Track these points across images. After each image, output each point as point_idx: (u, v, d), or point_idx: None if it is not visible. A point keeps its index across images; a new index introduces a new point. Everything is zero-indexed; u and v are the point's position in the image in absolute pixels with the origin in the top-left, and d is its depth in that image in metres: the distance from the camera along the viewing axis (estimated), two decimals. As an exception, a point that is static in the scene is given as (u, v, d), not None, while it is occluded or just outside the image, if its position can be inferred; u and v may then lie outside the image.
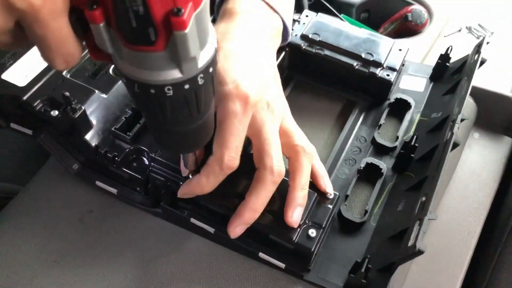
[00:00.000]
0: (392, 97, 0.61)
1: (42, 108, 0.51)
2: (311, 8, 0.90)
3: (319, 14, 0.65)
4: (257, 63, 0.46)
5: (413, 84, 0.63)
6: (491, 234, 0.62)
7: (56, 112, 0.51)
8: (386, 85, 0.60)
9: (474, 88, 0.64)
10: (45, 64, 0.55)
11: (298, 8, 0.72)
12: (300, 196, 0.46)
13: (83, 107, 0.50)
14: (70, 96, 0.49)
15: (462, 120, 0.48)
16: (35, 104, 0.51)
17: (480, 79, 0.59)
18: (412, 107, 0.60)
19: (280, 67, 0.62)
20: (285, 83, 0.64)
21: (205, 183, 0.44)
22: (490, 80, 0.67)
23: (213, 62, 0.33)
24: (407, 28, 0.80)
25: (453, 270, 0.56)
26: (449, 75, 0.61)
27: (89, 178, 0.55)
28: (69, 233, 0.52)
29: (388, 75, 0.59)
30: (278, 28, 0.52)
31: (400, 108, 0.60)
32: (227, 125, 0.42)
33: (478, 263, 0.60)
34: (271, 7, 0.51)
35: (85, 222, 0.53)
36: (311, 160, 0.48)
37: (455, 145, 0.47)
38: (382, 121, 0.58)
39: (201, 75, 0.32)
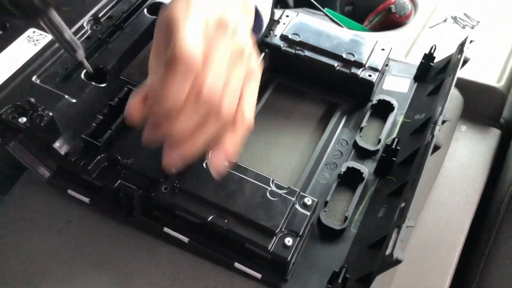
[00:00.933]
0: (375, 98, 0.59)
1: (9, 115, 0.49)
2: (296, 3, 0.89)
3: (300, 14, 0.64)
4: None
5: (396, 85, 0.62)
6: (481, 229, 0.61)
7: (24, 119, 0.49)
8: (368, 86, 0.58)
9: (460, 79, 0.62)
10: (13, 70, 0.53)
11: (285, 4, 0.70)
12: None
13: (50, 114, 0.48)
14: (38, 102, 0.48)
15: (443, 122, 0.47)
16: (2, 111, 0.49)
17: (466, 70, 0.57)
18: (395, 108, 0.58)
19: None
20: (265, 86, 0.62)
21: (168, 95, 0.36)
22: (476, 71, 0.65)
23: None
24: (391, 20, 0.79)
25: (443, 267, 0.54)
26: (433, 75, 0.60)
27: (61, 187, 0.53)
28: (48, 245, 0.50)
29: (370, 75, 0.58)
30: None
31: (383, 109, 0.59)
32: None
33: (468, 259, 0.58)
34: None
35: (63, 234, 0.51)
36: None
37: (436, 148, 0.45)
38: (364, 123, 0.57)
39: None
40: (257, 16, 0.50)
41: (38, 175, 0.52)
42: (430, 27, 0.77)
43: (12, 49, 0.55)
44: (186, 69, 0.36)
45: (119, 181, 0.49)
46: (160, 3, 0.62)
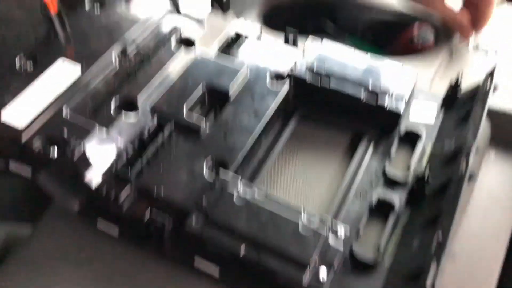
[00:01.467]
0: (402, 127, 0.59)
1: (41, 149, 0.50)
2: (315, 30, 0.90)
3: (324, 41, 0.64)
4: None
5: (423, 114, 0.61)
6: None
7: (56, 150, 0.49)
8: (395, 117, 0.58)
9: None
10: (46, 102, 0.54)
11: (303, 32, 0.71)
12: None
13: (82, 146, 0.48)
14: (70, 134, 0.48)
15: (477, 149, 0.46)
16: (34, 141, 0.50)
17: (491, 97, 0.57)
18: (423, 138, 0.58)
19: (285, 99, 0.61)
20: (289, 116, 0.62)
21: None
22: (502, 98, 0.65)
23: None
24: (413, 49, 0.79)
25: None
26: (460, 103, 0.60)
27: (90, 220, 0.53)
28: (76, 279, 0.50)
29: (397, 106, 0.58)
30: None
31: (411, 139, 0.58)
32: None
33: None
34: None
35: (92, 267, 0.51)
36: None
37: (471, 178, 0.44)
38: (392, 153, 0.56)
39: None
40: None
41: (67, 206, 0.53)
42: (454, 55, 0.77)
43: (43, 79, 0.56)
44: None
45: (149, 213, 0.49)
46: (188, 38, 0.63)
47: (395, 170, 0.55)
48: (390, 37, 0.88)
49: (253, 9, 0.92)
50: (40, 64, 0.58)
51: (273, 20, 0.96)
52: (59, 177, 0.52)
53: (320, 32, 0.90)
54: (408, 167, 0.55)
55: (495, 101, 0.61)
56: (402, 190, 0.54)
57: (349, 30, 0.88)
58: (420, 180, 0.51)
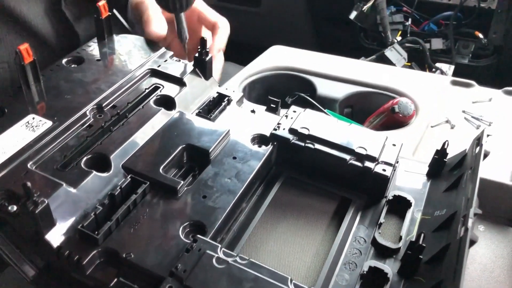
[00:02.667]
0: (390, 194, 0.56)
1: (-2, 202, 0.45)
2: (294, 104, 0.90)
3: (307, 109, 0.63)
4: None
5: (409, 181, 0.59)
6: None
7: (15, 208, 0.44)
8: (382, 181, 0.56)
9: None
10: (7, 155, 0.49)
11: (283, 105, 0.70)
12: None
13: (46, 201, 0.43)
14: (32, 189, 0.43)
15: (475, 214, 0.44)
16: (-9, 198, 0.44)
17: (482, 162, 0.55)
18: (413, 204, 0.55)
19: (268, 162, 0.58)
20: (273, 180, 0.59)
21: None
22: (488, 168, 0.64)
23: None
24: (394, 120, 0.79)
25: None
26: (447, 170, 0.58)
27: (47, 287, 0.46)
28: None
29: (384, 170, 0.55)
30: None
31: (399, 206, 0.55)
32: None
33: None
34: None
35: None
36: None
37: (472, 243, 0.41)
38: (381, 219, 0.53)
39: None
40: None
41: (21, 273, 0.46)
42: (432, 127, 0.78)
43: (9, 134, 0.52)
44: None
45: (116, 279, 0.43)
46: (168, 96, 0.61)
47: (385, 238, 0.52)
48: (365, 114, 0.89)
49: (234, 80, 0.93)
50: (9, 117, 0.54)
51: (252, 92, 0.96)
52: (16, 237, 0.46)
53: (300, 106, 0.90)
54: (399, 235, 0.52)
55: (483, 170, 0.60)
56: (394, 259, 0.50)
57: (328, 105, 0.88)
58: (413, 247, 0.47)
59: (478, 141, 0.54)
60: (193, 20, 0.67)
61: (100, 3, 0.65)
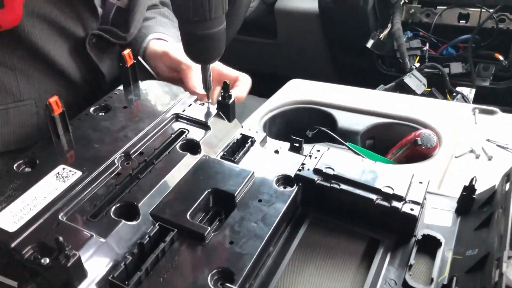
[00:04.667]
0: (419, 233, 0.55)
1: (32, 255, 0.46)
2: (315, 138, 0.90)
3: (331, 148, 0.63)
4: None
5: (438, 218, 0.58)
6: None
7: (47, 260, 0.45)
8: (411, 221, 0.55)
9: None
10: (39, 208, 0.50)
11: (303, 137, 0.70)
12: None
13: (77, 254, 0.44)
14: (64, 241, 0.44)
15: (509, 257, 0.43)
16: (24, 251, 0.45)
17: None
18: (443, 244, 0.54)
19: (293, 203, 0.58)
20: (299, 221, 0.59)
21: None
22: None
23: None
24: (417, 153, 0.78)
25: None
26: (477, 207, 0.57)
27: None
28: None
29: (412, 209, 0.55)
30: None
31: (429, 245, 0.55)
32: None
33: None
34: None
35: None
36: None
37: (508, 288, 0.40)
38: (411, 261, 0.52)
39: None
40: None
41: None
42: (456, 157, 0.77)
43: (41, 185, 0.53)
44: None
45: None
46: (193, 141, 0.62)
47: (416, 280, 0.51)
48: (388, 144, 0.88)
49: (254, 116, 0.94)
50: (40, 168, 0.55)
51: (272, 127, 0.97)
52: (49, 289, 0.47)
53: (322, 140, 0.91)
54: (430, 276, 0.51)
55: None
56: (427, 302, 0.49)
57: (349, 138, 0.88)
58: (446, 291, 0.46)
59: (507, 178, 0.53)
60: (213, 77, 0.69)
61: (125, 52, 0.67)
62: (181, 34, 0.62)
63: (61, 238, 0.43)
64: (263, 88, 1.11)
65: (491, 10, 1.45)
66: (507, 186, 0.51)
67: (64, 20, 0.73)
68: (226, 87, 0.65)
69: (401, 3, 1.54)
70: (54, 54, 0.74)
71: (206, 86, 0.67)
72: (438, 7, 1.54)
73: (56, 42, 0.74)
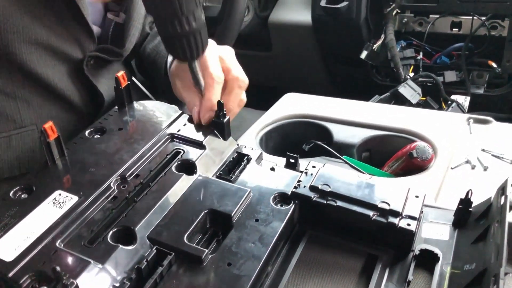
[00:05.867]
0: (417, 248, 0.55)
1: (30, 285, 0.46)
2: (312, 151, 0.90)
3: (326, 164, 0.63)
4: None
5: (435, 232, 0.59)
6: None
7: (45, 289, 0.45)
8: (408, 236, 0.55)
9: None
10: (36, 235, 0.50)
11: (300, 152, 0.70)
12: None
13: (75, 282, 0.44)
14: (62, 269, 0.44)
15: (506, 273, 0.43)
16: (22, 281, 0.45)
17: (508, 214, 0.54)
18: (441, 258, 0.54)
19: (290, 221, 0.58)
20: (297, 239, 0.59)
21: (209, 96, 0.67)
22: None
23: None
24: (413, 165, 0.79)
25: None
26: (473, 220, 0.57)
27: None
28: None
29: (409, 224, 0.55)
30: None
31: (427, 260, 0.55)
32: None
33: None
34: None
35: None
36: None
37: (505, 306, 0.40)
38: (410, 276, 0.52)
39: None
40: None
41: None
42: (452, 168, 0.77)
43: (38, 212, 0.53)
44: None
45: None
46: (189, 161, 0.62)
47: (415, 296, 0.51)
48: (384, 157, 0.89)
49: (250, 131, 0.94)
50: (37, 195, 0.55)
51: (269, 141, 0.97)
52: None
53: (318, 154, 0.91)
54: (429, 292, 0.51)
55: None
56: (426, 318, 0.49)
57: (345, 151, 0.88)
58: (445, 307, 0.46)
59: (502, 191, 0.53)
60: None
61: (119, 74, 0.68)
62: (159, 34, 0.63)
63: (58, 268, 0.43)
64: (260, 100, 1.12)
65: (483, 18, 1.46)
66: (502, 199, 0.52)
67: (62, 44, 0.74)
68: (220, 106, 0.66)
69: (394, 13, 1.55)
70: (53, 79, 0.75)
71: (198, 84, 0.68)
72: (430, 15, 1.55)
73: (55, 66, 0.75)
